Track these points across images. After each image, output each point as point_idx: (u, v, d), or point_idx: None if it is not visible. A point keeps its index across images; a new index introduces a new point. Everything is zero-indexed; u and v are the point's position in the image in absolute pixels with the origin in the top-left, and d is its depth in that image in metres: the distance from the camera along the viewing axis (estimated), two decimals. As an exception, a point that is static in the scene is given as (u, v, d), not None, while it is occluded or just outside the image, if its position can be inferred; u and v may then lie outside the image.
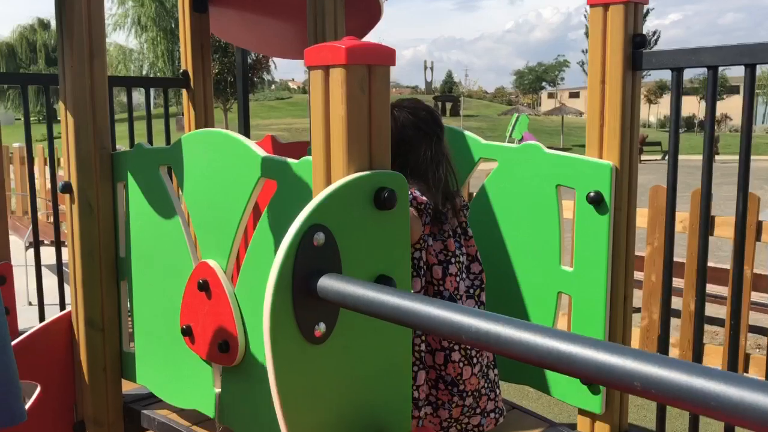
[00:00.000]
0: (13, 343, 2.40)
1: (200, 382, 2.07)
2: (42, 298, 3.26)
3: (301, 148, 2.96)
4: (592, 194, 2.07)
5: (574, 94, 63.47)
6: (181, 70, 3.58)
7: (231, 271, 1.94)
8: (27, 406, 2.38)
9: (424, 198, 1.93)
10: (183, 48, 3.55)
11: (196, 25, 3.51)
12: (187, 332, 2.04)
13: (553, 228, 2.22)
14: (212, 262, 1.95)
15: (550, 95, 67.18)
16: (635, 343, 4.65)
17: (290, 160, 1.73)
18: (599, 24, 2.06)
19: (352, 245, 1.35)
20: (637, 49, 2.05)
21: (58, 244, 3.34)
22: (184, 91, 3.60)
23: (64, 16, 2.25)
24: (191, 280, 2.01)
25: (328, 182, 1.41)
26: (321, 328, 1.31)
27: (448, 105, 41.79)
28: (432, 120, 2.09)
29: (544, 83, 69.75)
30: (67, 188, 2.33)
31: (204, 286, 1.95)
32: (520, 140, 24.16)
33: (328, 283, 1.24)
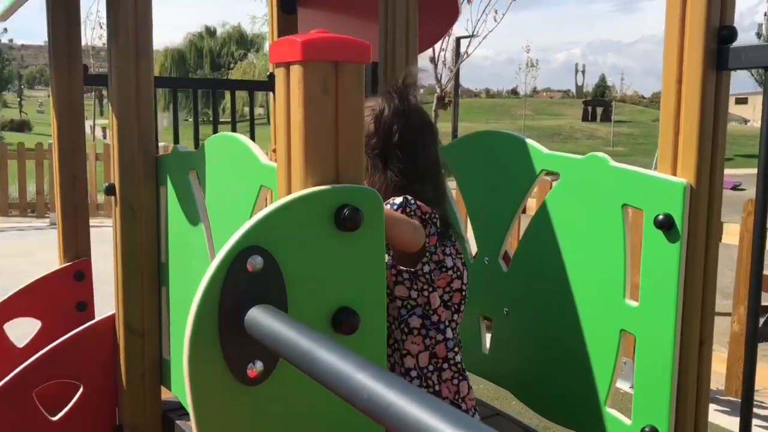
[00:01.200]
0: (57, 342, 2.43)
1: (214, 400, 1.96)
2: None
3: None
4: (660, 217, 1.73)
5: (741, 100, 58.50)
6: (268, 73, 3.54)
7: (239, 285, 1.81)
8: (69, 405, 2.40)
9: (428, 207, 1.71)
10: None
11: (284, 26, 3.45)
12: (201, 347, 1.93)
13: (616, 255, 1.89)
14: (223, 275, 1.82)
15: (715, 101, 62.07)
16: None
17: (287, 169, 1.56)
18: (677, 12, 1.71)
19: (302, 272, 1.15)
20: (724, 44, 1.69)
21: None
22: (270, 94, 3.56)
23: (111, 14, 2.23)
24: (205, 293, 1.90)
25: (290, 197, 1.22)
26: (257, 367, 1.13)
27: (599, 110, 39.97)
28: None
29: (708, 88, 64.80)
30: (111, 190, 2.31)
31: (214, 300, 1.83)
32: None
33: (254, 315, 1.06)
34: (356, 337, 1.20)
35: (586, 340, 1.99)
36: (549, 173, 2.12)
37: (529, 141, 2.15)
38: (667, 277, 1.75)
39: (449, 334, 1.79)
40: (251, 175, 1.66)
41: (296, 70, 1.16)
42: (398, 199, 1.61)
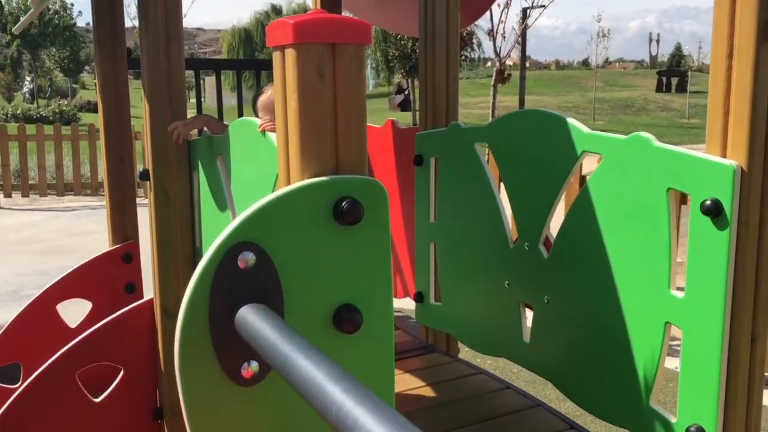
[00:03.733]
0: (97, 325, 2.47)
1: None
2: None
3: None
4: (707, 203, 1.60)
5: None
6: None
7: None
8: (110, 388, 2.44)
9: None
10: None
11: (327, 3, 3.38)
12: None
13: (661, 242, 1.76)
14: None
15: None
16: None
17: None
18: (727, -21, 1.56)
19: (298, 268, 1.10)
20: (781, 12, 1.52)
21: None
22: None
23: (141, -1, 2.21)
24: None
25: (290, 188, 1.16)
26: (252, 367, 1.08)
27: (674, 80, 38.35)
28: None
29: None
30: (145, 175, 2.31)
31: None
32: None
33: (243, 315, 1.01)
34: (360, 336, 1.14)
35: (630, 332, 1.88)
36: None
37: (570, 120, 2.03)
38: (714, 267, 1.61)
39: None
40: (268, 161, 1.62)
41: (290, 54, 1.09)
42: None
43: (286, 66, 1.11)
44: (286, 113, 1.14)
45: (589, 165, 2.38)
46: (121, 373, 2.44)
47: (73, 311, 3.27)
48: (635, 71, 57.44)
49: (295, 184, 1.10)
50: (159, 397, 2.49)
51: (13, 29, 3.15)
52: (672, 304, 1.75)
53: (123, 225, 3.13)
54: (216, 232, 2.12)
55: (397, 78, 32.32)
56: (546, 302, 2.14)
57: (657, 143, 1.76)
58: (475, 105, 32.96)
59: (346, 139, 1.13)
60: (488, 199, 2.36)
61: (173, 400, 2.41)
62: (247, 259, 1.06)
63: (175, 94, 2.25)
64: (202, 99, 4.03)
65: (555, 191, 2.08)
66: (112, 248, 3.13)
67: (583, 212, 1.98)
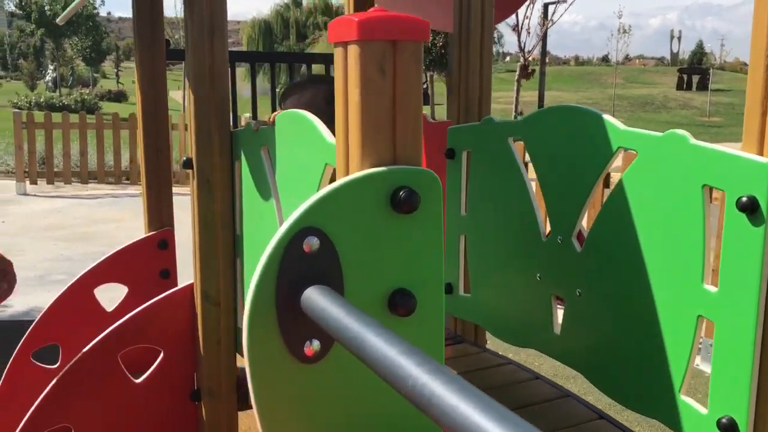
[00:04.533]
0: (139, 308, 2.55)
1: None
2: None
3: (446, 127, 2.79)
4: (743, 199, 1.64)
5: None
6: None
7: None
8: (151, 369, 2.51)
9: None
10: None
11: (360, 4, 3.43)
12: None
13: (695, 238, 1.81)
14: (291, 250, 1.86)
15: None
16: None
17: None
18: (768, -21, 1.59)
19: (357, 253, 1.16)
20: (822, 13, 1.56)
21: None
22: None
23: (188, -9, 2.27)
24: (274, 267, 1.94)
25: (349, 178, 1.22)
26: (314, 345, 1.14)
27: (695, 78, 38.05)
28: None
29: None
30: (188, 164, 2.38)
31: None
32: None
33: (309, 295, 1.07)
34: (413, 319, 1.20)
35: (662, 325, 1.92)
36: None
37: (605, 116, 2.07)
38: (749, 262, 1.66)
39: None
40: (316, 153, 1.67)
41: (353, 50, 1.15)
42: None
43: (348, 62, 1.17)
44: (347, 107, 1.19)
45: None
46: (161, 355, 2.52)
47: (107, 296, 3.36)
48: (655, 68, 57.01)
49: (356, 174, 1.16)
50: (197, 379, 2.57)
51: (57, 20, 3.23)
52: (705, 298, 1.79)
53: (159, 212, 3.20)
54: (258, 220, 2.19)
55: (417, 72, 32.32)
56: (578, 295, 2.19)
57: (693, 141, 1.80)
58: (495, 99, 32.83)
59: (403, 132, 1.19)
60: (521, 193, 2.41)
61: (210, 383, 2.48)
62: (311, 243, 1.12)
63: (219, 85, 2.32)
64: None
65: (590, 186, 2.13)
66: (148, 234, 3.20)
67: (617, 207, 2.03)
